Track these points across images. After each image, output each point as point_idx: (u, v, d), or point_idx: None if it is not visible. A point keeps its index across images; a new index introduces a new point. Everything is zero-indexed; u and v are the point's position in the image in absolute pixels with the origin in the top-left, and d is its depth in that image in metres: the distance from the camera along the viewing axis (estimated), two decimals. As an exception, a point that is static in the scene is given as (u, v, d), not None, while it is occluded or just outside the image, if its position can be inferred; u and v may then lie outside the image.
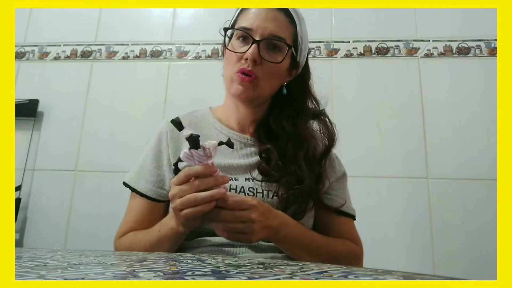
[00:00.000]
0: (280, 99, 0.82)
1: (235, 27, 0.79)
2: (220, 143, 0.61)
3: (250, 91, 0.75)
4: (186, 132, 0.60)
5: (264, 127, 0.81)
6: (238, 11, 0.82)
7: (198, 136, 0.60)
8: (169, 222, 0.68)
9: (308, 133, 0.79)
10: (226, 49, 0.79)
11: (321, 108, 0.84)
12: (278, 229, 0.67)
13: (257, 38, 0.74)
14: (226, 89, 0.82)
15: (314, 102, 0.84)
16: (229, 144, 0.62)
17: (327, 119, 0.82)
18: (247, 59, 0.74)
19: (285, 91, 0.81)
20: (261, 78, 0.75)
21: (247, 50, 0.74)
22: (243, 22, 0.77)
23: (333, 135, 0.81)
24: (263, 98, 0.80)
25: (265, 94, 0.79)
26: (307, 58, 0.86)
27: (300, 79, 0.84)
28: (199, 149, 0.60)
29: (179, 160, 0.63)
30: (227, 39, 0.80)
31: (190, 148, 0.60)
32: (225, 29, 0.80)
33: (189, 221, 0.62)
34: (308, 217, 0.76)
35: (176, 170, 0.65)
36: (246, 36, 0.76)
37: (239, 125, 0.83)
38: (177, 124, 0.62)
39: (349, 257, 0.77)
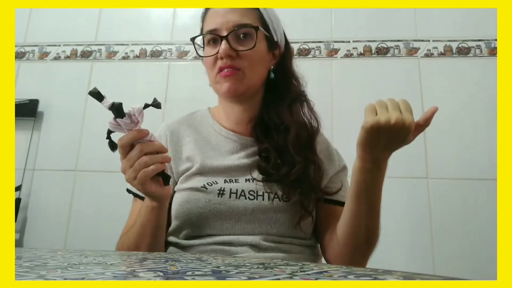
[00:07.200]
0: (271, 89, 0.82)
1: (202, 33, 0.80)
2: (146, 106, 0.59)
3: (238, 84, 0.76)
4: (107, 102, 0.57)
5: (261, 125, 0.81)
6: (202, 18, 0.84)
7: (121, 103, 0.58)
8: (143, 205, 0.69)
9: (289, 119, 0.78)
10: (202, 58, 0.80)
11: (302, 89, 0.83)
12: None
13: (224, 34, 0.75)
14: (217, 93, 0.83)
15: (295, 82, 0.84)
16: (156, 105, 0.59)
17: (305, 103, 0.82)
18: (222, 58, 0.75)
19: (272, 75, 0.82)
20: (244, 68, 0.76)
21: (219, 49, 0.75)
22: (207, 26, 0.79)
23: (315, 118, 0.80)
24: (253, 88, 0.80)
25: (255, 84, 0.79)
26: (285, 37, 0.86)
27: (281, 60, 0.84)
28: (125, 117, 0.58)
29: (110, 132, 0.61)
30: (200, 49, 0.81)
31: (115, 118, 0.59)
32: (192, 39, 0.81)
33: (144, 186, 0.61)
34: (307, 224, 0.75)
35: (110, 143, 0.63)
36: (214, 38, 0.77)
37: (238, 126, 0.82)
38: (96, 94, 0.57)
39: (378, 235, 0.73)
